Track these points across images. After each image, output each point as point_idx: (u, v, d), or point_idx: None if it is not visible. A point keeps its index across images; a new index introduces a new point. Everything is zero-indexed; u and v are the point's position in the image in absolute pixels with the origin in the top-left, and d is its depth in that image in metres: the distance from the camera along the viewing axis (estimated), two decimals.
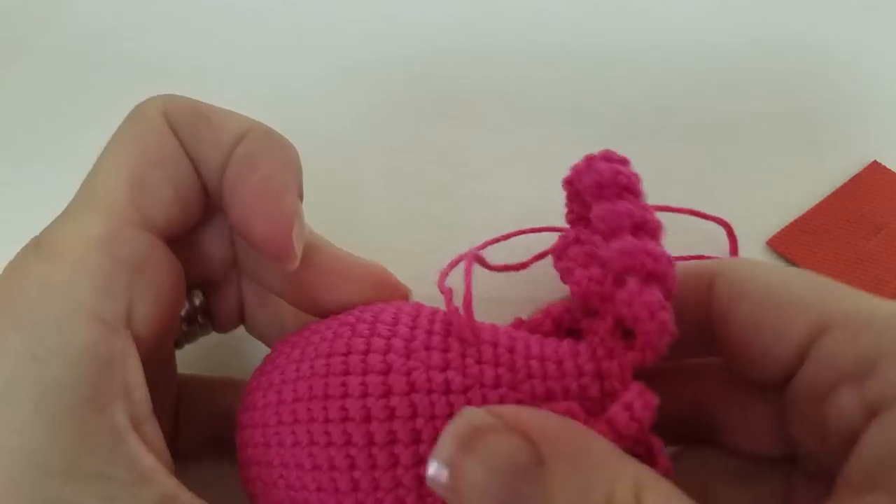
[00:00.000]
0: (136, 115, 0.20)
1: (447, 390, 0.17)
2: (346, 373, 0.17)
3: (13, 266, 0.17)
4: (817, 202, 0.32)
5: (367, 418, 0.17)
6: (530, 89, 0.38)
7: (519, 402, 0.17)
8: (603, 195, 0.19)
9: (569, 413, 0.16)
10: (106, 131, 0.20)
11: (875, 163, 0.34)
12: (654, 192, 0.31)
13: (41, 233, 0.18)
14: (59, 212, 0.19)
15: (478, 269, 0.30)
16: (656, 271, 0.17)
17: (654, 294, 0.16)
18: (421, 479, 0.16)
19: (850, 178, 0.33)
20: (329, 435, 0.17)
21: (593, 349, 0.18)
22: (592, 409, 0.17)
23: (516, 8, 0.42)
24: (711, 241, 0.30)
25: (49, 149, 0.36)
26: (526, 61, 0.39)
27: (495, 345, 0.18)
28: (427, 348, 0.18)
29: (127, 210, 0.18)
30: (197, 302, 0.22)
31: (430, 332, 0.18)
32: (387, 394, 0.17)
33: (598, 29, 0.40)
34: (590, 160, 0.20)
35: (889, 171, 0.34)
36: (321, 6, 0.42)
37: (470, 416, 0.15)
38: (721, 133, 0.35)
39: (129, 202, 0.18)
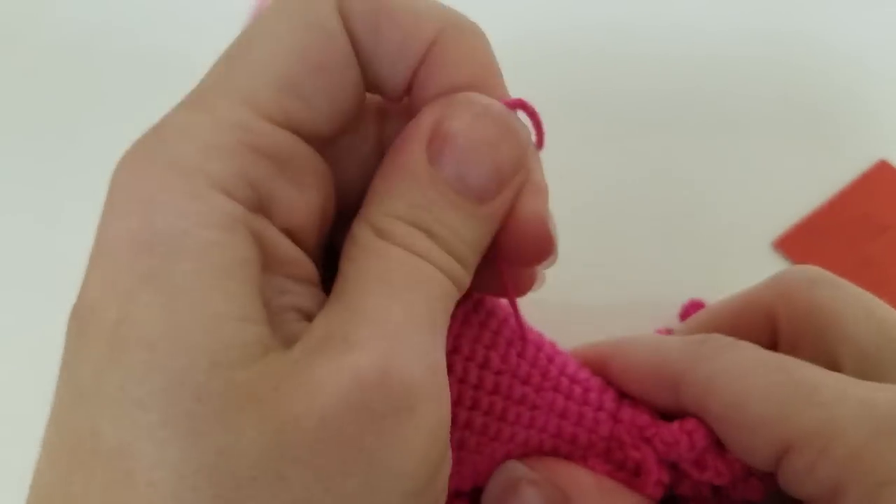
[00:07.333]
0: (304, 2, 0.16)
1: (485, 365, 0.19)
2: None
3: (131, 156, 0.14)
4: (824, 202, 0.32)
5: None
6: (531, 86, 0.37)
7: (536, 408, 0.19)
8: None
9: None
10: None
11: (882, 162, 0.34)
12: (657, 192, 0.31)
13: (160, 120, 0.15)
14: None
15: None
16: None
17: None
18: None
19: (856, 177, 0.33)
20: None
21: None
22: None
23: (516, 3, 0.41)
24: (711, 243, 0.30)
25: (45, 145, 0.36)
26: (526, 57, 0.38)
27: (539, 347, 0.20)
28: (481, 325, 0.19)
29: (271, 110, 0.15)
30: None
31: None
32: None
33: (600, 25, 0.40)
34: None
35: None
36: None
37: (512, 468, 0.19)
38: (726, 132, 0.35)
39: (274, 104, 0.15)
